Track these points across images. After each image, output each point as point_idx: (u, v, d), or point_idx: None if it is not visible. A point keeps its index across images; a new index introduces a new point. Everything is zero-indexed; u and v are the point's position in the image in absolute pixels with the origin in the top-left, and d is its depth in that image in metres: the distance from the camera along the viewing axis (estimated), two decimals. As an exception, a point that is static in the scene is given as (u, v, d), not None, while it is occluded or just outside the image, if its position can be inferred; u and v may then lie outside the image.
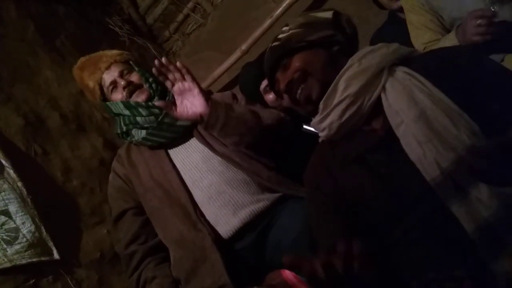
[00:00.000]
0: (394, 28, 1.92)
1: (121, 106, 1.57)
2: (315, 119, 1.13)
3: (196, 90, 1.38)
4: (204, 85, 2.77)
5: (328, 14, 1.21)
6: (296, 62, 1.15)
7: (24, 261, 1.49)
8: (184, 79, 1.38)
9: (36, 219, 1.61)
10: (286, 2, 2.46)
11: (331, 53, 1.16)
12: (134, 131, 1.58)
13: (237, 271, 1.34)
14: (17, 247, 1.50)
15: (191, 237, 1.40)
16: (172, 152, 1.56)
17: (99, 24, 2.76)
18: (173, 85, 1.40)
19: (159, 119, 1.53)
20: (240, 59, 2.64)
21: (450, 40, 1.46)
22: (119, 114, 1.60)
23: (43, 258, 1.56)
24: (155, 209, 1.51)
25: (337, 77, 1.07)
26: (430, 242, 0.88)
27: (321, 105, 1.09)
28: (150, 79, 1.62)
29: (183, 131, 1.55)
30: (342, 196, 1.03)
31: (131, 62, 1.70)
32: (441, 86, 0.95)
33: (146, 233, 1.52)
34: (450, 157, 0.86)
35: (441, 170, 0.87)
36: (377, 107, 1.03)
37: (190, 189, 1.47)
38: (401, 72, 1.03)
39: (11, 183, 1.61)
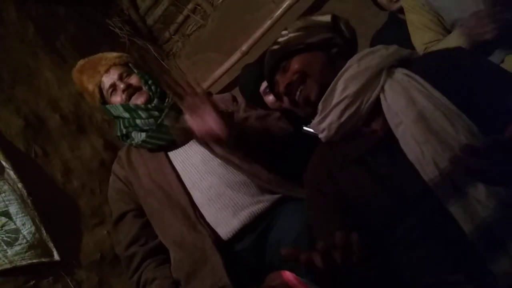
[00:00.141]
0: (394, 29, 1.91)
1: (121, 109, 1.57)
2: (315, 120, 1.13)
3: (208, 108, 1.28)
4: (204, 86, 2.77)
5: (327, 18, 1.22)
6: (295, 64, 1.15)
7: (24, 262, 1.49)
8: (195, 94, 1.30)
9: (37, 220, 1.61)
10: (286, 3, 2.46)
11: (330, 55, 1.17)
12: (134, 134, 1.58)
13: (237, 272, 1.34)
14: (17, 248, 1.50)
15: (191, 238, 1.40)
16: (172, 154, 1.56)
17: (99, 25, 2.76)
18: (181, 99, 1.30)
19: (158, 122, 1.53)
20: (240, 60, 2.64)
21: (454, 39, 1.45)
22: (118, 117, 1.60)
23: (43, 259, 1.56)
24: (155, 211, 1.51)
25: (336, 78, 1.08)
26: (429, 242, 0.88)
27: (320, 106, 1.10)
28: (150, 81, 1.62)
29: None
30: (342, 197, 1.03)
31: (130, 65, 1.70)
32: (440, 88, 0.96)
33: (146, 235, 1.52)
34: (448, 157, 0.86)
35: (439, 170, 0.87)
36: (376, 108, 1.03)
37: (190, 191, 1.47)
38: (400, 73, 1.03)
39: (12, 184, 1.61)
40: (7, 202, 1.56)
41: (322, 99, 1.09)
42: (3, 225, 1.51)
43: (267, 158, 1.49)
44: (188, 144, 1.56)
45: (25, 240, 1.53)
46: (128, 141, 1.61)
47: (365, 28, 2.14)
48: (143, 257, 1.49)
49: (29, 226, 1.57)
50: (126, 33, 2.85)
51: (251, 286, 1.25)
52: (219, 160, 1.48)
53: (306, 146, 1.31)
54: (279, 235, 1.39)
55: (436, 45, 1.58)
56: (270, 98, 1.83)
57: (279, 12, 2.49)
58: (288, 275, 1.14)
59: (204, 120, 1.28)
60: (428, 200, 0.88)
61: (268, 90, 1.76)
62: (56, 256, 1.60)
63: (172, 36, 3.10)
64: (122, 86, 1.60)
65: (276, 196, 1.45)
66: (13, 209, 1.56)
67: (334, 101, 1.06)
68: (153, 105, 1.56)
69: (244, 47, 2.63)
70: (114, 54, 1.72)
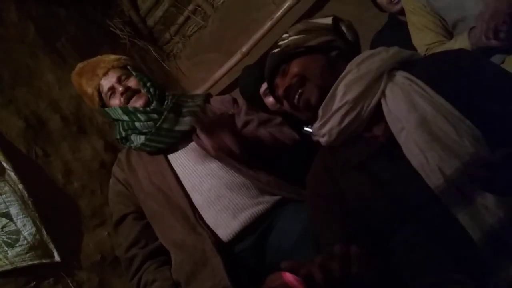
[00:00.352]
0: (394, 30, 1.92)
1: (120, 111, 1.57)
2: (315, 125, 1.12)
3: (227, 130, 1.35)
4: (204, 87, 2.77)
5: (328, 20, 1.21)
6: (294, 68, 1.15)
7: (25, 264, 1.50)
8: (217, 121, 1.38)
9: (37, 221, 1.61)
10: (287, 4, 2.46)
11: (330, 58, 1.16)
12: (133, 137, 1.58)
13: (237, 274, 1.34)
14: (18, 249, 1.50)
15: (191, 240, 1.40)
16: (171, 157, 1.56)
17: (100, 26, 2.77)
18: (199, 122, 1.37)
19: (157, 125, 1.53)
20: (240, 61, 2.64)
21: (461, 42, 1.45)
22: (118, 120, 1.60)
23: (44, 261, 1.56)
24: (155, 213, 1.51)
25: (336, 83, 1.07)
26: (434, 249, 0.88)
27: (320, 111, 1.09)
28: (148, 84, 1.61)
29: (182, 136, 1.55)
30: (343, 202, 1.03)
31: (129, 67, 1.69)
32: (441, 90, 0.95)
33: (146, 237, 1.52)
34: (453, 164, 0.86)
35: (444, 177, 0.86)
36: (378, 113, 1.02)
37: (190, 193, 1.47)
38: (400, 77, 1.02)
39: (12, 185, 1.61)
40: (7, 203, 1.56)
41: (323, 104, 1.08)
42: (4, 226, 1.52)
43: (267, 161, 1.49)
44: (187, 146, 1.56)
45: (25, 241, 1.53)
46: (128, 144, 1.61)
47: (365, 30, 2.14)
48: (143, 259, 1.49)
49: (29, 227, 1.57)
50: (126, 34, 2.86)
51: (251, 287, 1.26)
52: (219, 162, 1.48)
53: (306, 147, 1.31)
54: (280, 237, 1.39)
55: (439, 45, 1.57)
56: (270, 100, 1.83)
57: (279, 13, 2.49)
58: (288, 276, 1.14)
59: (219, 138, 1.34)
60: (432, 207, 0.87)
61: (268, 92, 1.76)
62: (57, 257, 1.60)
63: (173, 37, 3.10)
64: (120, 89, 1.59)
65: (276, 198, 1.45)
66: (13, 210, 1.56)
67: (335, 107, 1.05)
68: (152, 107, 1.56)
69: (244, 48, 2.63)
70: (113, 56, 1.72)
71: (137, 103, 1.57)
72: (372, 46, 1.88)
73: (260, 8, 2.69)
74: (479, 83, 0.96)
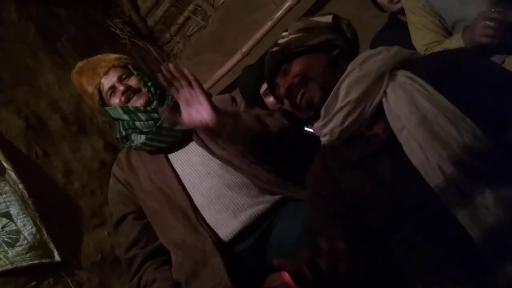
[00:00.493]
0: (395, 30, 1.91)
1: (120, 111, 1.57)
2: (317, 125, 1.12)
3: (202, 98, 1.32)
4: (205, 87, 2.75)
5: (328, 19, 1.20)
6: (296, 67, 1.14)
7: (25, 263, 1.50)
8: (191, 86, 1.33)
9: (37, 221, 1.61)
10: (287, 4, 2.46)
11: (331, 57, 1.15)
12: (133, 136, 1.58)
13: (238, 273, 1.34)
14: (18, 249, 1.50)
15: (192, 240, 1.40)
16: (172, 156, 1.56)
17: (100, 26, 2.77)
18: (177, 92, 1.34)
19: (158, 124, 1.53)
20: (240, 61, 2.64)
21: (456, 41, 1.45)
22: (118, 119, 1.60)
23: (44, 260, 1.56)
24: (155, 212, 1.51)
25: (338, 83, 1.07)
26: (433, 248, 0.88)
27: (322, 111, 1.09)
28: (149, 83, 1.61)
29: (182, 135, 1.55)
30: (343, 201, 1.03)
31: (129, 66, 1.69)
32: (442, 89, 0.95)
33: (146, 237, 1.52)
34: (454, 163, 0.86)
35: (444, 176, 0.86)
36: (379, 112, 1.02)
37: (190, 193, 1.47)
38: (402, 76, 1.02)
39: (12, 185, 1.61)
40: (8, 203, 1.56)
41: (325, 104, 1.08)
42: (4, 226, 1.51)
43: (267, 159, 1.49)
44: (188, 145, 1.56)
45: (26, 241, 1.53)
46: (128, 143, 1.61)
47: (365, 30, 2.14)
48: (144, 259, 1.49)
49: (30, 227, 1.57)
50: (126, 34, 2.86)
51: (251, 287, 1.26)
52: (219, 162, 1.48)
53: (306, 147, 1.31)
54: (280, 236, 1.39)
55: (438, 45, 1.58)
56: (270, 100, 1.83)
57: (279, 13, 2.49)
58: (288, 276, 1.14)
59: (197, 110, 1.31)
60: (432, 205, 0.88)
61: (268, 92, 1.76)
62: (57, 257, 1.60)
63: (173, 37, 3.10)
64: (121, 88, 1.59)
65: (276, 197, 1.45)
66: (14, 210, 1.56)
67: (337, 107, 1.05)
68: (152, 107, 1.56)
69: (244, 48, 2.62)
70: (113, 56, 1.72)
71: (138, 102, 1.57)
72: (373, 46, 1.88)
73: (260, 8, 2.68)
74: (479, 82, 0.96)
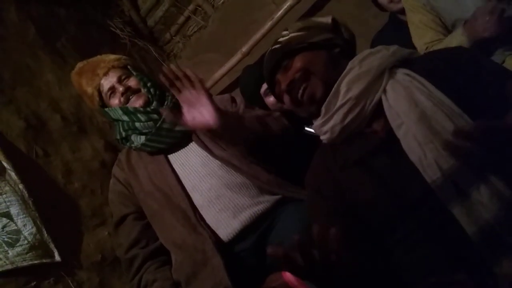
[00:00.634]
0: (395, 30, 1.92)
1: (120, 112, 1.57)
2: (317, 122, 1.12)
3: (205, 99, 1.30)
4: (205, 87, 2.77)
5: (327, 20, 1.22)
6: (298, 63, 1.14)
7: (25, 263, 1.50)
8: (193, 87, 1.31)
9: (38, 221, 1.61)
10: (287, 4, 2.46)
11: (332, 55, 1.16)
12: (133, 137, 1.58)
13: (238, 273, 1.34)
14: (18, 249, 1.50)
15: (192, 240, 1.40)
16: (172, 157, 1.56)
17: (100, 26, 2.77)
18: (179, 92, 1.32)
19: (158, 125, 1.53)
20: (241, 61, 2.64)
21: (457, 37, 1.46)
22: (118, 120, 1.60)
23: (44, 260, 1.56)
24: (155, 213, 1.51)
25: (338, 80, 1.07)
26: (431, 244, 0.88)
27: (323, 109, 1.09)
28: (148, 84, 1.61)
29: (182, 136, 1.55)
30: (342, 199, 1.03)
31: (129, 67, 1.69)
32: (441, 87, 0.95)
33: (146, 238, 1.52)
34: (450, 159, 0.86)
35: (441, 171, 0.87)
36: (378, 109, 1.03)
37: (190, 193, 1.47)
38: (401, 74, 1.03)
39: (13, 185, 1.61)
40: (8, 203, 1.56)
41: (326, 101, 1.08)
42: (4, 226, 1.52)
43: (266, 159, 1.49)
44: (187, 146, 1.56)
45: (26, 241, 1.53)
46: (128, 144, 1.61)
47: (365, 29, 2.14)
48: (144, 260, 1.49)
49: (30, 227, 1.57)
50: (127, 34, 2.86)
51: (251, 287, 1.26)
52: (219, 162, 1.48)
53: (306, 147, 1.31)
54: (280, 236, 1.39)
55: (438, 44, 1.58)
56: (270, 100, 1.83)
57: (279, 13, 2.49)
58: (288, 276, 1.14)
59: (199, 112, 1.30)
60: (429, 202, 0.88)
61: (268, 92, 1.76)
62: (57, 257, 1.60)
63: (173, 37, 3.11)
64: (121, 89, 1.59)
65: (276, 197, 1.45)
66: (14, 210, 1.56)
67: (337, 104, 1.05)
68: (152, 107, 1.56)
69: (244, 48, 2.63)
70: (113, 56, 1.71)
71: (137, 103, 1.57)
72: (373, 46, 1.87)
73: (260, 8, 2.69)
74: (478, 80, 0.96)
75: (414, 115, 0.94)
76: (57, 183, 1.82)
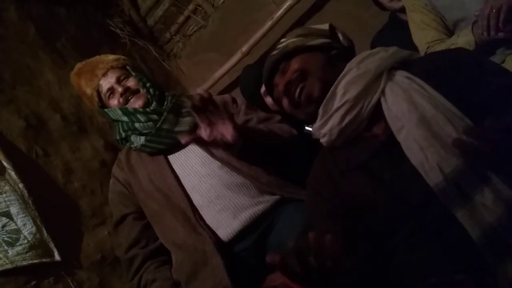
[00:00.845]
0: (395, 30, 1.91)
1: (119, 112, 1.57)
2: (315, 125, 1.12)
3: (226, 118, 1.28)
4: (205, 86, 2.77)
5: (325, 26, 1.23)
6: (295, 64, 1.15)
7: (25, 263, 1.49)
8: (217, 108, 1.28)
9: (37, 221, 1.61)
10: (287, 4, 2.46)
11: (329, 56, 1.17)
12: (133, 137, 1.58)
13: (238, 273, 1.34)
14: (18, 248, 1.50)
15: (192, 240, 1.40)
16: (171, 157, 1.56)
17: (100, 26, 2.76)
18: (207, 118, 1.28)
19: (157, 125, 1.53)
20: (241, 60, 2.64)
21: (464, 37, 1.45)
22: (117, 121, 1.60)
23: (44, 260, 1.56)
24: (155, 213, 1.51)
25: (336, 82, 1.07)
26: (433, 248, 0.88)
27: (320, 111, 1.09)
28: (148, 84, 1.61)
29: None
30: (343, 203, 1.03)
31: (128, 67, 1.69)
32: (442, 89, 0.95)
33: (146, 237, 1.53)
34: (453, 162, 0.86)
35: (444, 175, 0.86)
36: (378, 112, 1.02)
37: (190, 194, 1.48)
38: (400, 76, 1.02)
39: (13, 184, 1.61)
40: (8, 203, 1.56)
41: (323, 103, 1.08)
42: (4, 226, 1.51)
43: (266, 160, 1.49)
44: (187, 147, 1.56)
45: (26, 241, 1.53)
46: (128, 144, 1.61)
47: (365, 29, 2.15)
48: (144, 259, 1.49)
49: (30, 227, 1.57)
50: (127, 34, 2.86)
51: (251, 287, 1.26)
52: (218, 163, 1.48)
53: (306, 147, 1.31)
54: (280, 236, 1.39)
55: (441, 43, 1.58)
56: (270, 99, 1.83)
57: (279, 12, 2.49)
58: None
59: (218, 130, 1.28)
60: (431, 205, 0.87)
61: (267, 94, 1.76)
62: (57, 257, 1.60)
63: (173, 37, 3.10)
64: (120, 89, 1.59)
65: (276, 197, 1.45)
66: (14, 209, 1.56)
67: (335, 106, 1.05)
68: (151, 108, 1.56)
69: (244, 48, 2.63)
70: (112, 57, 1.71)
71: (136, 103, 1.57)
72: (373, 46, 1.88)
73: (260, 8, 2.68)
74: (478, 81, 0.96)
75: (414, 118, 0.93)
76: (57, 183, 1.82)
